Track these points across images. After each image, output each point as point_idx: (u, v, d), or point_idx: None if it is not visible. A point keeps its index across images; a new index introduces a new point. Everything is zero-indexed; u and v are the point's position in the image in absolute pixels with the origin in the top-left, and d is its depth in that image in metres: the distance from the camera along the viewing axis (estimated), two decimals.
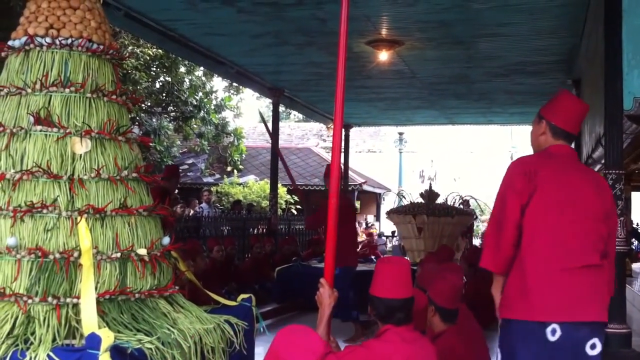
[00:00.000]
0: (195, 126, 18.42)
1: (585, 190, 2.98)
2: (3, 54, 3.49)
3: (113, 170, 3.27)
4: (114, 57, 3.54)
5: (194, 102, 17.56)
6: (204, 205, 13.75)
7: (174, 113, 17.86)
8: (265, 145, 22.54)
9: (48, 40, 3.35)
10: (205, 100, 18.10)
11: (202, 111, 17.89)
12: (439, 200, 10.72)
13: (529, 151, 3.30)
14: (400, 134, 26.09)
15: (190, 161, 22.09)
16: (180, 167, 20.59)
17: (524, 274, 2.88)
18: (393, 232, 19.42)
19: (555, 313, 2.83)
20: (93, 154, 3.24)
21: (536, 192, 2.90)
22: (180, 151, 20.09)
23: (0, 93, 3.37)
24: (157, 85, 17.43)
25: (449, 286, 3.67)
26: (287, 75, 10.40)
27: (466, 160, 29.54)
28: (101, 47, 3.45)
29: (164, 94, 17.30)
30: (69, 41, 3.36)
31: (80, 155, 3.21)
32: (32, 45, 3.37)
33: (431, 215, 9.72)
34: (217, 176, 21.20)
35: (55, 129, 3.21)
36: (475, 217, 14.35)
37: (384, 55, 8.58)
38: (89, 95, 3.32)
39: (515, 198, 2.92)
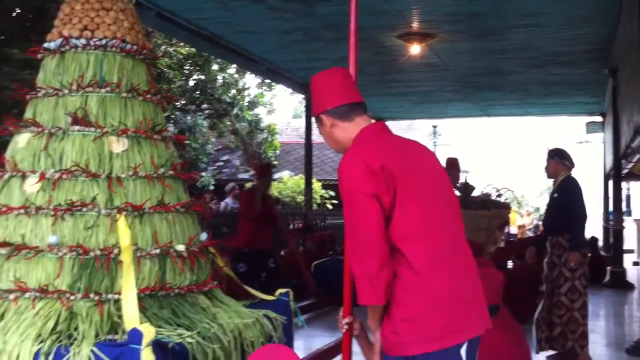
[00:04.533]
0: (229, 123, 18.54)
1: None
2: (39, 55, 3.57)
3: (150, 168, 3.32)
4: (147, 56, 3.59)
5: (228, 100, 17.69)
6: (228, 200, 13.69)
7: (208, 110, 18.00)
8: (299, 140, 22.58)
9: (83, 41, 3.42)
10: (239, 97, 18.22)
11: (236, 108, 18.01)
12: (475, 193, 10.60)
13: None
14: (434, 127, 25.93)
15: (225, 158, 22.24)
16: (215, 164, 20.79)
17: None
18: None
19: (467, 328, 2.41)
20: (130, 153, 3.30)
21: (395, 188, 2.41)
22: (215, 148, 20.24)
23: (38, 94, 3.44)
24: (191, 84, 17.58)
25: (489, 282, 3.63)
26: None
27: (502, 152, 29.25)
28: (135, 47, 3.50)
29: (197, 92, 17.45)
30: (103, 42, 3.42)
31: (118, 154, 3.27)
32: (67, 47, 3.43)
33: (467, 208, 9.61)
34: (252, 172, 21.31)
35: (92, 129, 3.28)
36: (511, 209, 14.18)
37: (415, 49, 8.53)
38: (124, 94, 3.38)
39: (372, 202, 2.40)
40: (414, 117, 19.03)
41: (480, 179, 17.44)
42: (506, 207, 11.34)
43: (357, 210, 2.39)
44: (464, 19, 7.61)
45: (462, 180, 10.83)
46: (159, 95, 3.58)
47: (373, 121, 2.64)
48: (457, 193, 10.32)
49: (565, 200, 5.77)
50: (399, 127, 29.21)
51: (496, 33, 8.19)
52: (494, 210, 9.90)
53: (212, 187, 17.57)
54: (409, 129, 29.46)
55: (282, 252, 10.25)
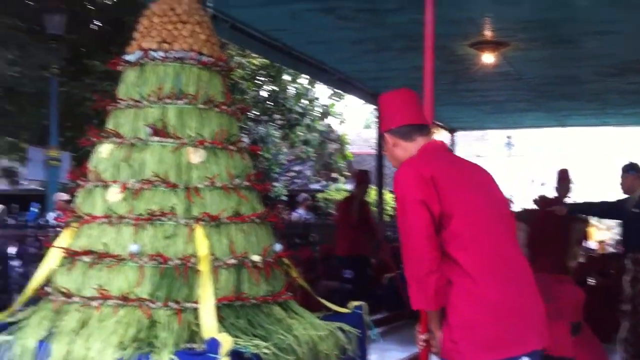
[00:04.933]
0: (300, 133, 18.69)
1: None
2: (119, 67, 3.67)
3: (226, 178, 3.37)
4: (223, 68, 3.65)
5: (299, 110, 17.84)
6: (300, 211, 13.75)
7: (280, 121, 18.20)
8: (370, 151, 22.53)
9: (161, 54, 3.50)
10: (310, 107, 18.34)
11: (307, 118, 18.14)
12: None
13: None
14: (508, 137, 25.44)
15: (296, 168, 22.40)
16: (287, 174, 20.96)
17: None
18: None
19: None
20: (207, 163, 3.35)
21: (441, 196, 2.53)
22: (287, 158, 20.42)
23: (118, 106, 3.55)
24: (263, 94, 17.81)
25: (569, 299, 3.52)
26: (389, 80, 10.33)
27: (578, 163, 28.43)
28: (211, 59, 3.56)
29: (269, 103, 17.66)
30: (181, 54, 3.49)
31: (195, 164, 3.33)
32: (146, 59, 3.52)
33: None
34: (324, 182, 21.39)
35: (171, 140, 3.35)
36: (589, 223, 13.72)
37: (488, 58, 8.39)
38: (201, 106, 3.44)
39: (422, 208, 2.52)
40: (487, 127, 18.70)
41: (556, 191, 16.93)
42: (584, 221, 11.01)
43: (408, 216, 2.52)
44: (538, 27, 7.45)
45: (539, 193, 10.57)
46: (234, 106, 3.63)
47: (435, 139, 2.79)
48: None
49: None
50: (471, 138, 28.80)
51: (572, 41, 7.97)
52: (572, 224, 9.63)
53: (284, 198, 17.72)
54: (482, 139, 28.98)
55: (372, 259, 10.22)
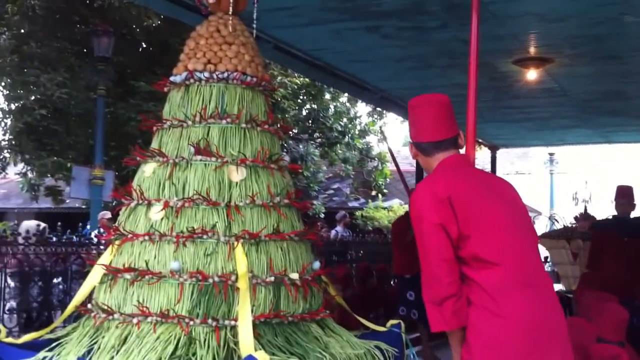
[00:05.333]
0: (340, 151, 18.71)
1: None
2: (165, 88, 3.74)
3: (266, 196, 3.39)
4: (266, 88, 3.69)
5: (339, 128, 17.88)
6: (338, 228, 13.70)
7: (319, 139, 18.26)
8: (409, 168, 22.44)
9: (206, 74, 3.56)
10: (350, 125, 18.37)
11: (347, 137, 18.17)
12: None
13: None
14: (551, 154, 25.04)
15: (335, 186, 22.41)
16: (326, 192, 20.98)
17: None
18: (546, 258, 18.57)
19: None
20: (248, 182, 3.38)
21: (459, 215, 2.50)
22: (326, 176, 20.45)
23: (164, 126, 3.60)
24: (304, 113, 17.90)
25: (610, 319, 3.44)
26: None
27: (624, 180, 27.82)
28: (254, 79, 3.61)
29: (310, 121, 17.74)
30: (225, 75, 3.55)
31: (236, 182, 3.36)
32: (192, 80, 3.58)
33: (588, 239, 9.21)
34: (362, 200, 21.34)
35: (213, 159, 3.39)
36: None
37: (532, 74, 8.29)
38: (243, 125, 3.48)
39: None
40: (529, 145, 18.42)
41: (602, 208, 16.66)
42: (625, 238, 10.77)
43: (425, 239, 2.51)
44: (584, 42, 7.34)
45: (580, 210, 10.40)
46: (276, 126, 3.66)
47: (460, 152, 2.78)
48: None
49: None
50: (513, 155, 28.51)
51: (619, 56, 7.84)
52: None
53: (322, 215, 17.73)
54: (524, 156, 28.65)
55: None
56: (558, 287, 9.42)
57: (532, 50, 7.70)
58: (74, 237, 7.44)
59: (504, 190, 2.70)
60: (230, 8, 3.71)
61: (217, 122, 3.47)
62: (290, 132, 16.33)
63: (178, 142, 3.50)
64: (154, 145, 3.63)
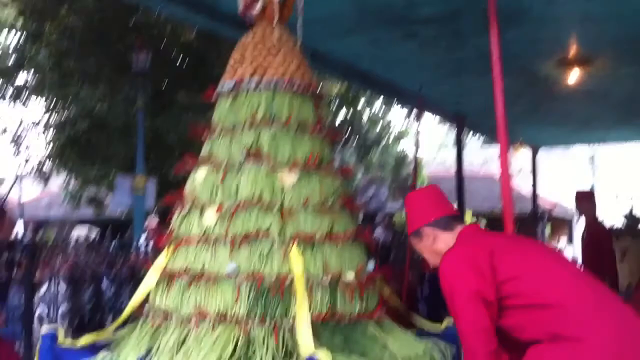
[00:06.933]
0: (375, 157, 18.75)
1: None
2: (213, 99, 3.81)
3: (319, 199, 3.44)
4: (315, 94, 3.74)
5: (374, 134, 17.92)
6: (379, 230, 13.68)
7: (355, 145, 18.31)
8: (446, 173, 22.36)
9: (255, 81, 3.62)
10: (385, 131, 18.39)
11: (382, 142, 18.20)
12: None
13: None
14: (592, 154, 24.75)
15: (372, 191, 22.39)
16: (363, 197, 20.99)
17: None
18: None
19: None
20: (300, 185, 3.43)
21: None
22: (363, 182, 20.46)
23: (214, 133, 3.68)
24: (340, 119, 17.98)
25: None
26: (468, 101, 10.32)
27: None
28: (303, 85, 3.66)
29: (346, 127, 17.81)
30: (274, 81, 3.61)
31: (289, 186, 3.42)
32: (240, 88, 3.65)
33: (635, 237, 9.13)
34: (401, 203, 21.26)
35: (265, 163, 3.45)
36: None
37: (573, 76, 8.25)
38: (293, 130, 3.54)
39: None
40: (570, 144, 18.20)
41: None
42: None
43: (459, 309, 2.46)
44: (626, 43, 7.28)
45: (627, 209, 10.28)
46: (326, 131, 3.71)
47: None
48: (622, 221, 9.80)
49: None
50: (554, 155, 28.19)
51: None
52: None
53: (360, 220, 17.74)
54: (565, 156, 28.29)
55: None
56: None
57: (572, 52, 7.66)
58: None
59: (530, 241, 2.74)
60: (276, 17, 3.77)
61: (267, 128, 3.53)
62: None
63: (229, 149, 3.56)
64: (204, 152, 3.70)
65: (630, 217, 9.85)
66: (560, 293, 2.38)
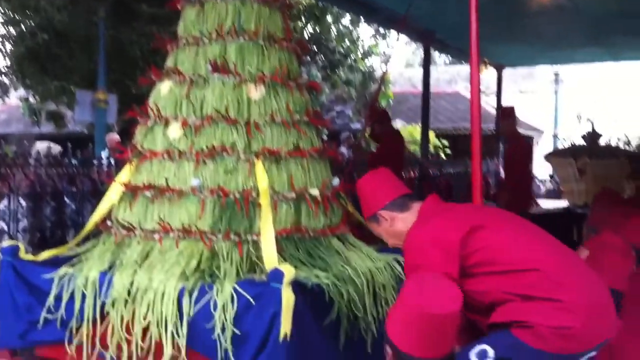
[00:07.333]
0: (342, 74, 18.56)
1: None
2: (179, 5, 3.68)
3: (286, 114, 3.39)
4: (283, 5, 3.63)
5: (341, 51, 17.69)
6: (343, 149, 13.70)
7: (322, 62, 18.07)
8: (412, 90, 22.33)
9: None
10: (352, 48, 18.16)
11: (349, 59, 17.99)
12: (602, 142, 10.17)
13: None
14: (556, 74, 24.87)
15: (338, 108, 22.32)
16: (329, 114, 20.94)
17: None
18: (551, 176, 18.73)
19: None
20: (267, 100, 3.38)
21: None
22: (329, 99, 20.35)
23: (179, 44, 3.57)
24: (306, 36, 17.66)
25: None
26: (439, 18, 10.18)
27: (628, 99, 27.69)
28: None
29: (312, 43, 17.52)
30: None
31: (255, 100, 3.36)
32: None
33: (594, 157, 9.27)
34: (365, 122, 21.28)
35: (231, 76, 3.37)
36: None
37: None
38: (261, 42, 3.45)
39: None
40: (537, 63, 18.20)
41: (608, 127, 16.65)
42: (635, 155, 10.82)
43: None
44: None
45: (588, 128, 10.41)
46: (294, 43, 3.62)
47: None
48: (583, 141, 9.95)
49: None
50: (518, 75, 28.28)
51: None
52: (622, 158, 9.49)
53: (325, 137, 17.76)
54: (529, 76, 28.41)
55: None
56: (564, 203, 9.54)
57: None
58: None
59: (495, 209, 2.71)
60: None
61: (234, 39, 3.43)
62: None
63: (194, 61, 3.47)
64: (170, 64, 3.60)
65: (588, 137, 9.96)
66: (536, 259, 2.39)
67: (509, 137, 7.58)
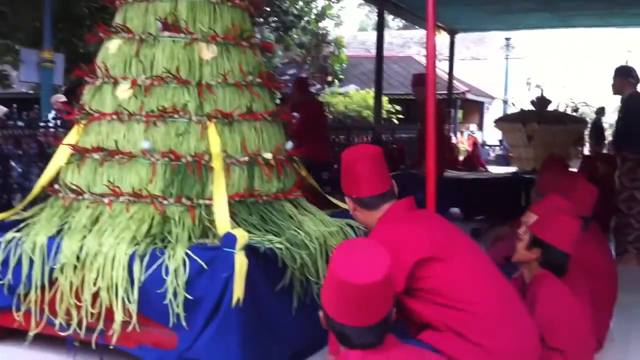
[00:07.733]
0: (295, 36, 18.38)
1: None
2: None
3: (239, 75, 3.32)
4: None
5: (295, 12, 17.48)
6: (295, 113, 13.63)
7: (274, 23, 17.85)
8: (366, 54, 22.27)
9: None
10: (306, 9, 17.97)
11: (303, 21, 17.81)
12: (550, 108, 10.34)
13: None
14: (507, 39, 25.10)
15: (291, 72, 22.15)
16: (282, 78, 20.78)
17: None
18: (501, 142, 19.01)
19: None
20: (219, 60, 3.30)
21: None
22: (282, 62, 20.16)
23: (127, 1, 3.45)
24: None
25: (583, 196, 3.51)
26: None
27: (576, 66, 28.19)
28: None
29: (265, 4, 17.27)
30: None
31: (207, 60, 3.27)
32: None
33: (542, 123, 9.42)
34: (318, 86, 21.20)
35: (182, 35, 3.28)
36: (587, 125, 13.80)
37: None
38: (213, 0, 3.35)
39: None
40: (489, 29, 18.32)
41: (556, 93, 16.95)
42: (582, 122, 11.06)
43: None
44: None
45: (537, 94, 10.56)
46: (247, 1, 3.53)
47: None
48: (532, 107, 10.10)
49: (627, 115, 5.85)
50: (469, 40, 28.46)
51: None
52: (570, 125, 9.68)
53: (278, 101, 17.64)
54: (480, 42, 28.62)
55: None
56: (513, 169, 9.71)
57: None
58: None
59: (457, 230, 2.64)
60: None
61: None
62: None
63: (144, 18, 3.37)
64: (118, 20, 3.48)
65: (537, 103, 10.11)
66: (477, 300, 2.44)
67: (422, 103, 7.55)
